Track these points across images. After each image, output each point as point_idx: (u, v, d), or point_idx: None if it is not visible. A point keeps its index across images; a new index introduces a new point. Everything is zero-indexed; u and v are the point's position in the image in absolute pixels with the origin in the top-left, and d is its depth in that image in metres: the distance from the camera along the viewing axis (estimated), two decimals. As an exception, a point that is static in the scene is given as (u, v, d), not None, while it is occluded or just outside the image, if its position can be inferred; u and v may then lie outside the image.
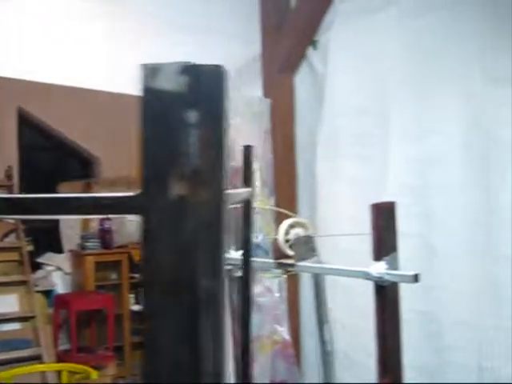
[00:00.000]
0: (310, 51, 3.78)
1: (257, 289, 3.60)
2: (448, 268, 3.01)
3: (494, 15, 2.86)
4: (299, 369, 3.79)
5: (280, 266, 1.44)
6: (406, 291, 3.14)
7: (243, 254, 1.09)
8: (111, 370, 5.43)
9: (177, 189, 0.46)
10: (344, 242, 2.99)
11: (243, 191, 0.96)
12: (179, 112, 0.45)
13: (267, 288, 3.58)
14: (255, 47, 3.94)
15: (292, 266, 1.41)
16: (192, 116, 0.45)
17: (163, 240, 0.47)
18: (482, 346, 2.88)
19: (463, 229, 2.93)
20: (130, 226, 5.87)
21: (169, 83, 0.45)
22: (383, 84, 3.30)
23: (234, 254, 1.72)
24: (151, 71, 0.46)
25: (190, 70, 0.45)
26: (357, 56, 3.49)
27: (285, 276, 3.61)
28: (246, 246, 1.06)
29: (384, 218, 1.19)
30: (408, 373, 3.12)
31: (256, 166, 3.44)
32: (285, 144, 3.72)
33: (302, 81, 3.94)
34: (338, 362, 3.45)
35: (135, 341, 6.25)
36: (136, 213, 0.49)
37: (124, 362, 6.10)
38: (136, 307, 6.34)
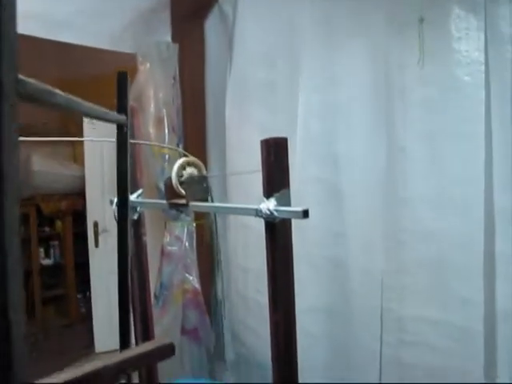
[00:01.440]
0: (220, -4, 3.70)
1: (166, 238, 3.57)
2: (355, 214, 3.08)
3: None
4: (210, 316, 3.82)
5: (172, 206, 1.41)
6: (315, 238, 3.22)
7: (119, 191, 1.05)
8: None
9: None
10: (256, 189, 3.00)
11: (117, 119, 0.91)
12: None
13: (177, 237, 3.55)
14: (164, -9, 3.80)
15: (184, 205, 1.38)
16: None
17: None
18: (385, 289, 2.99)
19: (367, 175, 2.99)
20: (37, 177, 5.66)
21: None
22: (292, 33, 3.28)
23: (131, 197, 1.67)
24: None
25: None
26: (266, 2, 3.44)
27: (194, 224, 3.60)
28: (122, 181, 1.01)
29: (274, 153, 1.18)
30: (316, 315, 3.23)
31: (164, 112, 3.36)
32: (194, 90, 3.65)
33: (212, 26, 3.85)
34: (235, 304, 3.52)
35: (46, 295, 6.11)
36: None
37: (34, 316, 5.96)
38: (46, 261, 6.17)
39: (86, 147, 5.04)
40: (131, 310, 1.57)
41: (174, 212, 3.42)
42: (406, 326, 2.89)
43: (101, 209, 4.89)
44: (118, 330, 1.06)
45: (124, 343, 1.08)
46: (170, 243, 3.54)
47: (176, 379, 3.45)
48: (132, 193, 1.69)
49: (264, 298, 3.48)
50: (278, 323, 1.21)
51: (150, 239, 2.00)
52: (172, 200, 1.42)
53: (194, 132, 3.57)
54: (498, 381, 2.56)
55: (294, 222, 1.23)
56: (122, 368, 0.85)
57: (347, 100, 3.07)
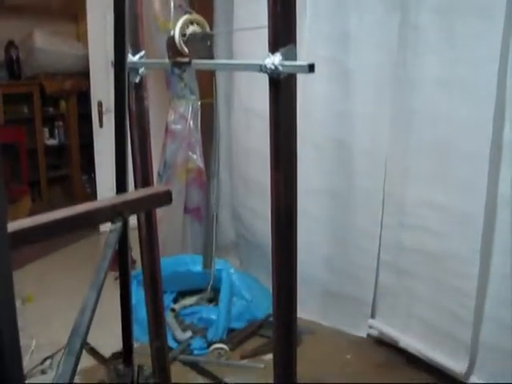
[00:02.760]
0: None
1: (171, 116, 3.53)
2: (362, 94, 3.02)
3: None
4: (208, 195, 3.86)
5: (175, 64, 1.36)
6: (320, 118, 3.17)
7: (116, 49, 1.00)
8: (26, 203, 5.36)
9: None
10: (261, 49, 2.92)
11: None
12: None
13: (181, 115, 3.51)
14: None
15: (187, 63, 1.33)
16: None
17: None
18: (388, 172, 2.98)
19: (377, 54, 2.90)
20: (40, 55, 5.53)
21: None
22: None
23: (133, 58, 1.62)
24: None
25: None
26: None
27: (199, 103, 3.54)
28: (119, 39, 0.96)
29: (281, 3, 1.11)
30: (319, 196, 3.24)
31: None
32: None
33: None
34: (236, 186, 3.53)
35: (51, 176, 6.15)
36: None
37: (40, 196, 6.04)
38: (51, 141, 6.17)
39: (90, 25, 4.88)
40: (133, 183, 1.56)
41: (178, 84, 3.35)
42: (407, 209, 2.90)
43: (105, 88, 4.80)
44: (115, 183, 1.05)
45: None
46: (175, 121, 3.51)
47: (178, 257, 3.53)
48: (134, 55, 1.64)
49: (265, 178, 3.49)
50: (279, 181, 1.19)
51: (153, 117, 1.96)
52: (175, 59, 1.37)
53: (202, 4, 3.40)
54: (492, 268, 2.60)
55: (298, 99, 1.19)
56: (119, 210, 0.84)
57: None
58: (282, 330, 1.37)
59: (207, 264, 2.92)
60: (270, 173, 1.21)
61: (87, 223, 0.76)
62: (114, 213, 0.82)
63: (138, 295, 2.30)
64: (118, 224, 0.82)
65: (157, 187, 0.87)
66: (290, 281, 1.32)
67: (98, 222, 0.78)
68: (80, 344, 0.57)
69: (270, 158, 1.20)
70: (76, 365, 0.53)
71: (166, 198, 0.89)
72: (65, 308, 3.47)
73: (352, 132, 3.09)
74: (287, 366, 1.42)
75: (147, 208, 1.18)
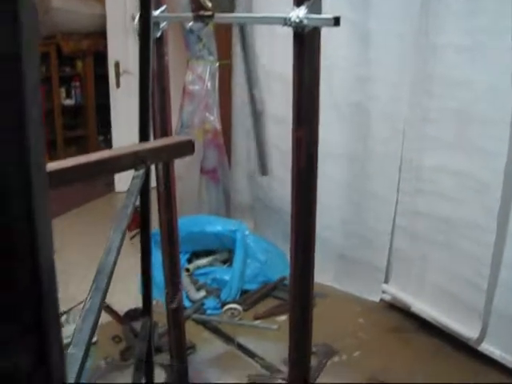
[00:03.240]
0: None
1: (189, 76, 3.51)
2: (383, 59, 2.98)
3: None
4: (229, 157, 3.85)
5: (197, 18, 1.34)
6: (340, 82, 3.14)
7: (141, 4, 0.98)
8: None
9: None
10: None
11: None
12: None
13: (199, 76, 3.49)
14: None
15: (210, 17, 1.31)
16: None
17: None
18: (406, 138, 2.96)
19: (400, 18, 2.85)
20: (56, 14, 5.49)
21: None
22: None
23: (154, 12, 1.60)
24: None
25: None
26: None
27: (217, 64, 3.51)
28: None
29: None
30: (337, 161, 3.23)
31: None
32: None
33: None
34: (269, 154, 3.52)
35: (67, 136, 6.17)
36: None
37: (56, 156, 6.07)
38: (67, 102, 6.17)
39: (107, -17, 4.83)
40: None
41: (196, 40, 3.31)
42: (424, 175, 2.88)
43: (122, 49, 4.78)
44: (139, 133, 1.05)
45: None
46: (192, 82, 3.48)
47: (193, 217, 3.54)
48: (155, 9, 1.62)
49: (283, 142, 3.48)
50: (301, 139, 1.19)
51: (171, 78, 1.95)
52: (198, 12, 1.35)
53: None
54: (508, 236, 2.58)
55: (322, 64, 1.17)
56: (142, 156, 0.84)
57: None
58: (299, 291, 1.38)
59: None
60: (292, 130, 1.21)
61: (112, 168, 0.76)
62: (138, 159, 0.82)
63: (153, 255, 2.32)
64: (141, 171, 0.82)
65: (179, 137, 0.87)
66: (309, 242, 1.33)
67: (122, 168, 0.78)
68: (106, 283, 0.57)
69: (292, 114, 1.19)
70: (103, 299, 0.54)
71: (188, 148, 0.89)
72: (81, 265, 3.53)
73: (371, 97, 3.06)
74: (303, 328, 1.43)
75: (170, 157, 1.18)
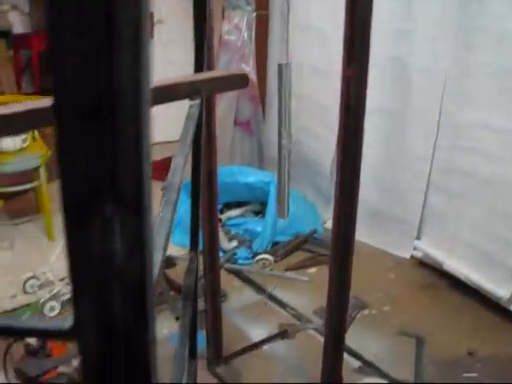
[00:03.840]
0: None
1: (225, 26, 3.47)
2: (424, 11, 2.90)
3: None
4: (263, 109, 3.82)
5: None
6: (382, 37, 3.07)
7: None
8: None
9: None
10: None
11: None
12: None
13: (235, 26, 3.44)
14: None
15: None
16: None
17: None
18: (446, 93, 2.90)
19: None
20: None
21: None
22: None
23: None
24: None
25: None
26: None
27: (254, 14, 3.46)
28: None
29: None
30: (375, 114, 3.19)
31: None
32: None
33: None
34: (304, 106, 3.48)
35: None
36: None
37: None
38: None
39: None
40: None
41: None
42: (463, 131, 2.83)
43: (156, -1, 4.72)
44: (194, 64, 1.02)
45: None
46: (229, 32, 3.44)
47: (226, 167, 3.54)
48: None
49: (318, 94, 3.44)
50: (351, 78, 1.17)
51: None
52: None
53: None
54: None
55: None
56: (197, 86, 0.83)
57: None
58: (342, 236, 1.38)
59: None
60: (342, 68, 1.18)
61: (171, 96, 0.75)
62: (193, 89, 0.81)
63: (186, 204, 2.33)
64: (197, 101, 0.82)
65: (234, 69, 0.85)
66: (354, 183, 1.32)
67: (179, 97, 0.77)
68: (175, 198, 0.58)
69: (343, 52, 1.16)
70: (173, 212, 0.55)
71: (242, 81, 0.88)
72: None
73: (412, 50, 3.00)
74: (344, 274, 1.44)
75: (224, 89, 1.17)
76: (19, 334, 0.44)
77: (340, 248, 1.37)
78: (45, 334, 0.43)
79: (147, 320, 0.36)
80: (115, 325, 0.36)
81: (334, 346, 1.51)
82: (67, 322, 0.39)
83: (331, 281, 1.42)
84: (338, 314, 1.50)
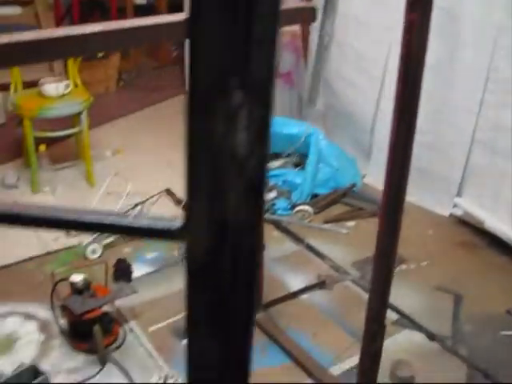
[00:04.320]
0: None
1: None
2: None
3: None
4: (305, 60, 3.76)
5: None
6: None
7: None
8: (116, 61, 5.40)
9: None
10: None
11: None
12: None
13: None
14: None
15: None
16: None
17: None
18: (497, 47, 2.81)
19: None
20: None
21: None
22: None
23: None
24: None
25: None
26: None
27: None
28: None
29: None
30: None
31: None
32: None
33: None
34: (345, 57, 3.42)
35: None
36: None
37: (128, 55, 6.06)
38: (139, 0, 6.10)
39: None
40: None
41: None
42: (511, 87, 2.75)
43: None
44: None
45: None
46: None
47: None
48: None
49: (363, 45, 3.38)
50: (413, 22, 1.13)
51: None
52: None
53: None
54: None
55: None
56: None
57: None
58: (394, 191, 1.36)
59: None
60: (405, 12, 1.15)
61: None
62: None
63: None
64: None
65: (303, 3, 0.83)
66: (409, 138, 1.29)
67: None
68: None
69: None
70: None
71: (310, 15, 0.85)
72: (152, 162, 3.59)
73: (463, 1, 2.90)
74: (393, 226, 1.42)
75: (291, 21, 1.15)
76: (128, 232, 0.44)
77: (392, 201, 1.35)
78: (153, 234, 0.43)
79: (259, 220, 0.36)
80: (227, 222, 0.36)
81: (381, 294, 1.51)
82: (176, 223, 0.39)
83: (380, 233, 1.41)
84: (384, 266, 1.49)
